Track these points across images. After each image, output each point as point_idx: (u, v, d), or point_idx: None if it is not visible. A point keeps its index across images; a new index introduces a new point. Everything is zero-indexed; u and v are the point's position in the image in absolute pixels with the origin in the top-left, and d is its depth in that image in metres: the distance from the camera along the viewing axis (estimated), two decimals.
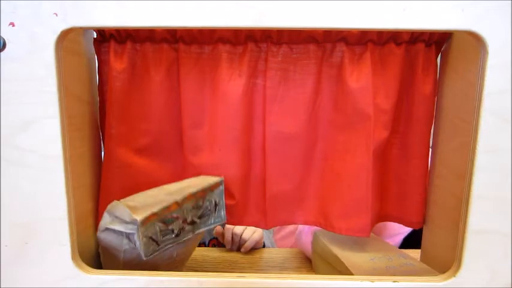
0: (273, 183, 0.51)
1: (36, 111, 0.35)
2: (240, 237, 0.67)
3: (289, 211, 0.54)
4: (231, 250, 0.69)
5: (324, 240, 0.58)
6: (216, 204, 0.46)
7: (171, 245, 0.41)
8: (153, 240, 0.39)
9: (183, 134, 0.51)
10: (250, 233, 0.67)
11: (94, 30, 0.49)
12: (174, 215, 0.41)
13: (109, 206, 0.39)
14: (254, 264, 0.63)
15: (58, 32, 0.33)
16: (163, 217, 0.40)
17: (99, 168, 0.52)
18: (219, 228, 0.71)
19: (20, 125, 0.35)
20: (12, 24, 0.33)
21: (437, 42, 0.48)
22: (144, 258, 0.38)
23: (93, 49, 0.50)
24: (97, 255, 0.46)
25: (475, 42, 0.35)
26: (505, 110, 0.35)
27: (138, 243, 0.37)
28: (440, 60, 0.50)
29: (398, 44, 0.48)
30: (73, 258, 0.38)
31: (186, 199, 0.42)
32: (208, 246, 0.85)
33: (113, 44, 0.48)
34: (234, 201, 0.52)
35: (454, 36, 0.47)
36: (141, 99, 0.50)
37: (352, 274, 0.50)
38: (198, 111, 0.50)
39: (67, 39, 0.36)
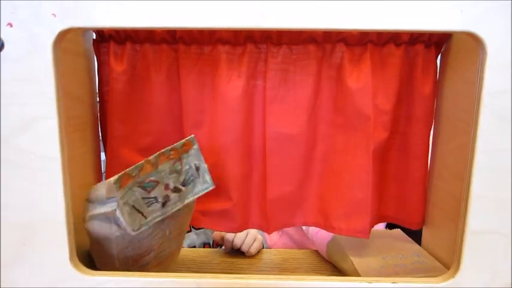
0: (274, 185, 0.51)
1: (35, 112, 0.35)
2: (240, 248, 0.66)
3: (289, 213, 0.54)
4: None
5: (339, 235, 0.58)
6: (197, 168, 0.44)
7: (159, 218, 0.40)
8: (137, 210, 0.38)
9: (184, 133, 0.51)
10: (250, 243, 0.66)
11: (93, 31, 0.49)
12: (152, 178, 0.39)
13: (88, 195, 0.39)
14: (253, 265, 0.63)
15: (56, 32, 0.33)
16: (139, 180, 0.38)
17: (99, 168, 0.52)
18: (217, 233, 0.70)
19: (18, 126, 0.35)
20: (10, 24, 0.33)
21: (437, 43, 0.48)
22: (132, 233, 0.37)
23: (93, 50, 0.50)
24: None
25: (474, 43, 0.35)
26: (504, 111, 0.35)
27: (121, 218, 0.36)
28: (440, 61, 0.50)
29: (398, 45, 0.48)
30: (71, 259, 0.37)
31: (158, 159, 0.40)
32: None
33: (112, 45, 0.48)
34: (232, 203, 0.51)
35: (453, 37, 0.47)
36: (142, 100, 0.50)
37: (356, 271, 0.50)
38: (198, 112, 0.50)
39: (66, 40, 0.36)
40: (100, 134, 0.53)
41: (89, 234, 0.40)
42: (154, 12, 0.34)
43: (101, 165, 0.53)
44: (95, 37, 0.49)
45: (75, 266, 0.38)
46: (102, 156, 0.53)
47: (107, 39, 0.48)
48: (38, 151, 0.36)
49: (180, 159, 0.43)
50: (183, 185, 0.43)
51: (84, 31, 0.47)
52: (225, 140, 0.49)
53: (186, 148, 0.43)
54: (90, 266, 0.40)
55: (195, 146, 0.44)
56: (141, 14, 0.34)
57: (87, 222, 0.39)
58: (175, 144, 0.42)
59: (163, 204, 0.41)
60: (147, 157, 0.51)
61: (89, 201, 0.39)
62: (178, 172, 0.43)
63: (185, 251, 0.67)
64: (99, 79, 0.51)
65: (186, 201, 0.43)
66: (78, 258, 0.39)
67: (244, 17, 0.34)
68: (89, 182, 0.49)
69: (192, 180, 0.44)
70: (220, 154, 0.50)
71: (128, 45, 0.48)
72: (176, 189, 0.42)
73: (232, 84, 0.48)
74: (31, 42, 0.34)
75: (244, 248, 0.65)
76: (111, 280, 0.38)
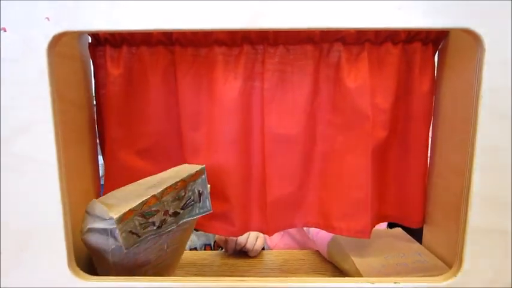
0: (273, 187, 0.51)
1: (30, 117, 0.35)
2: (244, 246, 0.65)
3: (289, 214, 0.53)
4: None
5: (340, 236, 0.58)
6: (200, 194, 0.45)
7: (152, 236, 0.41)
8: (133, 233, 0.39)
9: (182, 136, 0.51)
10: (253, 241, 0.66)
11: (88, 35, 0.49)
12: (154, 208, 0.40)
13: (87, 206, 0.39)
14: (254, 267, 0.63)
15: (50, 36, 0.33)
16: (142, 211, 0.39)
17: (97, 172, 0.52)
18: (220, 236, 0.70)
19: (13, 131, 0.35)
20: (4, 29, 0.33)
21: (434, 41, 0.48)
22: (125, 250, 0.38)
23: (89, 53, 0.49)
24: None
25: (472, 40, 0.35)
26: (503, 107, 0.35)
27: (118, 238, 0.37)
28: (438, 59, 0.50)
29: (395, 44, 0.48)
30: (69, 265, 0.37)
31: (165, 192, 0.41)
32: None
33: (108, 49, 0.48)
34: (231, 206, 0.51)
35: (451, 35, 0.47)
36: (140, 103, 0.50)
37: (358, 271, 0.49)
38: (195, 114, 0.50)
39: (61, 44, 0.36)
40: (97, 137, 0.52)
41: (85, 244, 0.40)
42: (150, 15, 0.33)
43: (98, 169, 0.52)
44: (90, 41, 0.49)
45: (74, 271, 0.37)
46: (100, 160, 0.53)
47: (102, 42, 0.48)
48: (34, 156, 0.35)
49: (186, 186, 0.43)
50: (182, 209, 0.44)
51: (79, 35, 0.47)
52: (223, 142, 0.49)
53: (194, 178, 0.44)
54: (89, 271, 0.39)
55: (203, 176, 0.45)
56: (136, 17, 0.33)
57: (85, 234, 0.39)
58: (185, 176, 0.43)
59: (159, 227, 0.41)
60: (146, 160, 0.52)
61: (88, 213, 0.39)
62: (181, 199, 0.43)
63: (185, 254, 0.67)
64: (95, 82, 0.51)
65: (181, 221, 0.44)
66: (80, 262, 0.39)
67: (241, 18, 0.34)
68: (86, 187, 0.48)
69: (192, 205, 0.45)
70: (218, 157, 0.50)
71: (124, 49, 0.48)
72: (174, 214, 0.43)
73: (229, 86, 0.47)
74: (25, 46, 0.33)
75: (248, 247, 0.65)
76: (110, 286, 0.38)
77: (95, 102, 0.52)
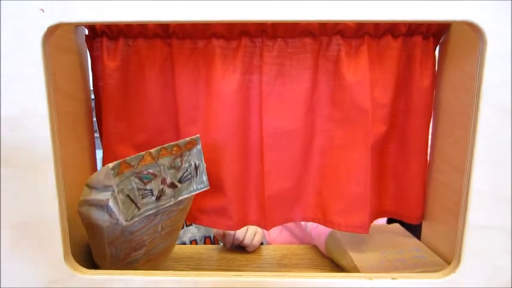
0: (272, 182, 0.51)
1: (25, 110, 0.34)
2: (242, 242, 0.65)
3: (287, 209, 0.53)
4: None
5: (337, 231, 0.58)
6: (196, 167, 0.45)
7: (152, 210, 0.41)
8: (132, 200, 0.38)
9: (180, 130, 0.50)
10: (251, 237, 0.66)
11: (85, 27, 0.48)
12: (150, 170, 0.40)
13: (88, 180, 0.39)
14: (252, 261, 0.63)
15: (45, 28, 0.33)
16: (138, 171, 0.39)
17: (94, 166, 0.52)
18: (218, 230, 0.70)
19: (8, 125, 0.34)
20: None
21: (435, 34, 0.48)
22: (124, 223, 0.38)
23: (86, 46, 0.49)
24: (91, 255, 0.45)
25: (473, 33, 0.34)
26: (505, 102, 0.34)
27: (114, 208, 0.37)
28: (439, 53, 0.49)
29: (395, 37, 0.47)
30: (66, 258, 0.37)
31: (160, 153, 0.41)
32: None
33: (105, 41, 0.47)
34: (229, 200, 0.51)
35: (452, 28, 0.47)
36: (137, 96, 0.49)
37: (356, 267, 0.49)
38: (193, 108, 0.49)
39: (58, 36, 0.36)
40: (98, 130, 0.52)
41: (81, 218, 0.40)
42: (145, 6, 0.33)
43: (95, 162, 0.52)
44: (87, 33, 0.49)
45: (70, 265, 0.37)
46: (100, 153, 0.53)
47: (99, 35, 0.48)
48: (30, 149, 0.35)
49: (181, 156, 0.43)
50: (180, 182, 0.43)
51: (75, 27, 0.46)
52: (220, 136, 0.49)
53: (189, 146, 0.44)
54: (87, 265, 0.39)
55: (198, 146, 0.45)
56: (131, 8, 0.33)
57: (81, 206, 0.39)
58: (179, 141, 0.43)
59: (158, 198, 0.41)
60: None
61: (87, 185, 0.39)
62: (177, 168, 0.43)
63: (184, 248, 0.67)
64: (93, 75, 0.50)
65: (180, 198, 0.43)
66: (75, 257, 0.38)
67: (239, 10, 0.33)
68: (83, 181, 0.48)
69: (189, 179, 0.45)
70: (216, 151, 0.49)
71: (121, 41, 0.47)
72: (172, 185, 0.43)
73: (227, 79, 0.47)
74: (20, 38, 0.33)
75: (246, 242, 0.65)
76: (108, 279, 0.37)
77: (93, 96, 0.51)
